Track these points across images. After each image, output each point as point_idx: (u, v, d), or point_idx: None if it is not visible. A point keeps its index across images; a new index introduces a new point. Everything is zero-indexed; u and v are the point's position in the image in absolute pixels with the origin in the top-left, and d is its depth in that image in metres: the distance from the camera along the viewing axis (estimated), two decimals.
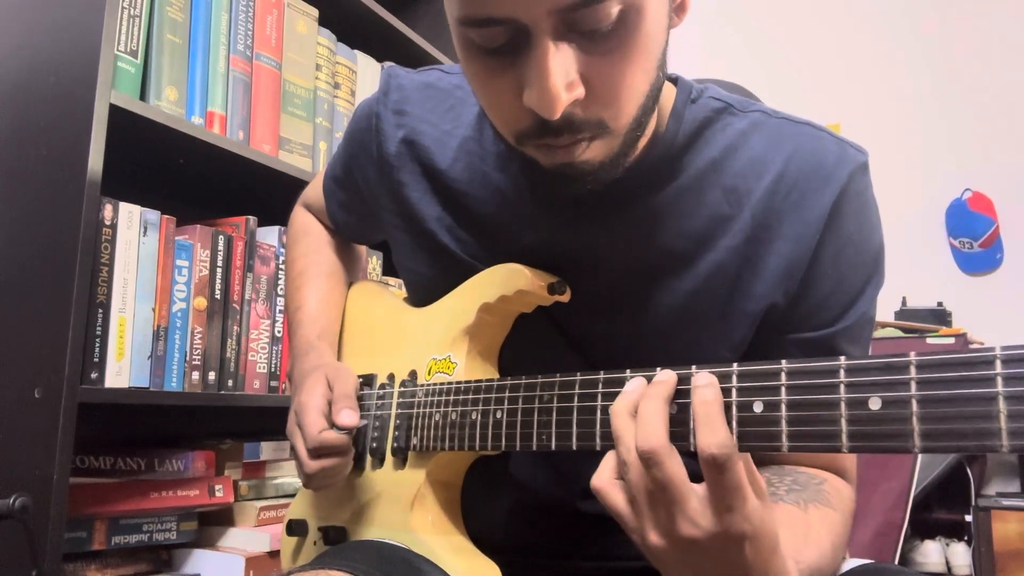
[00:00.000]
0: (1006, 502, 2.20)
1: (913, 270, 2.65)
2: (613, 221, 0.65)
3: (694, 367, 0.49)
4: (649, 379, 0.50)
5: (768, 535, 0.46)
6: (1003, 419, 0.37)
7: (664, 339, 0.66)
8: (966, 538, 2.26)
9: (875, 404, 0.41)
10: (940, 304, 2.60)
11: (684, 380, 0.49)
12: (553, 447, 0.56)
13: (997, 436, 0.37)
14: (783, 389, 0.45)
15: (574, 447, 0.55)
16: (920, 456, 2.11)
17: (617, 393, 0.52)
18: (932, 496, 2.28)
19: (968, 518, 2.19)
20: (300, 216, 0.96)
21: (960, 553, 2.27)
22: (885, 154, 2.81)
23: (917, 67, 2.82)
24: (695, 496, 0.45)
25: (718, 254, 0.64)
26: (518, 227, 0.68)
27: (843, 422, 0.42)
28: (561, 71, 0.50)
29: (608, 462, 0.50)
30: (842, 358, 0.43)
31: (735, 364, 0.48)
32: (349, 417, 0.68)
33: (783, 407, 0.45)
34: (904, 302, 2.63)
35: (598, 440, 0.53)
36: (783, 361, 0.46)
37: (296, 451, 0.71)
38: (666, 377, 0.49)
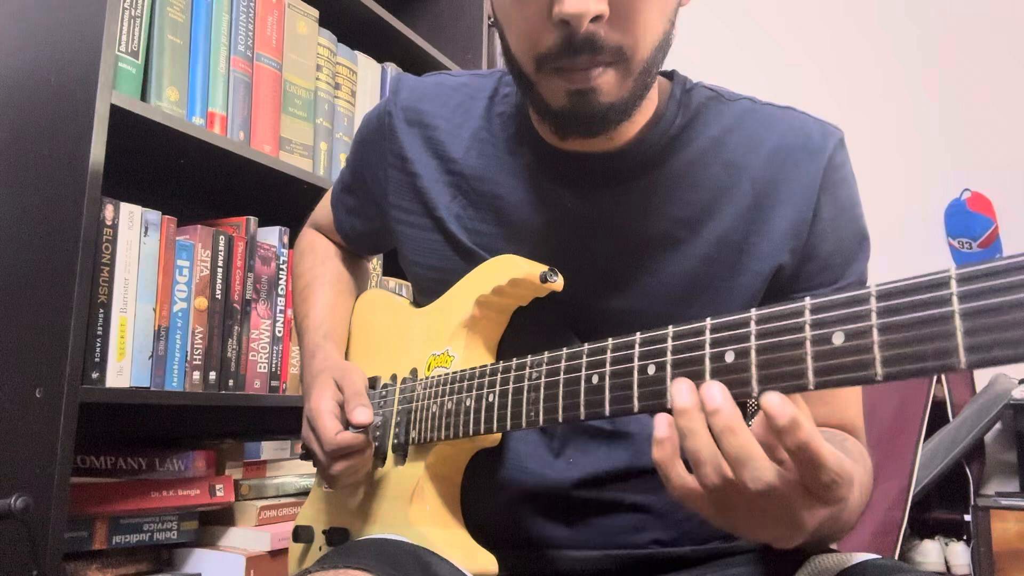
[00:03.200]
0: (1005, 502, 2.20)
1: (912, 270, 2.65)
2: (622, 193, 0.70)
3: (671, 327, 0.50)
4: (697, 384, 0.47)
5: (850, 481, 0.46)
6: (959, 335, 0.37)
7: (681, 306, 0.69)
8: (965, 537, 2.27)
9: (838, 339, 0.42)
10: None
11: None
12: (541, 422, 0.58)
13: (955, 354, 0.37)
14: (752, 336, 0.46)
15: (560, 419, 0.56)
16: (919, 455, 2.12)
17: (600, 361, 0.53)
18: (931, 495, 2.28)
19: (967, 518, 2.20)
20: (307, 235, 0.98)
21: (959, 553, 2.27)
22: (885, 154, 2.81)
23: (917, 67, 2.82)
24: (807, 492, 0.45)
25: (724, 221, 0.69)
26: (532, 206, 0.71)
27: (808, 359, 0.43)
28: None
29: (674, 466, 0.47)
30: (807, 298, 0.44)
31: (708, 319, 0.48)
32: (363, 415, 0.69)
33: (752, 353, 0.45)
34: None
35: (582, 410, 0.54)
36: (752, 310, 0.46)
37: (315, 456, 0.72)
38: (721, 398, 0.45)
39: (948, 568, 2.28)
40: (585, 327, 0.71)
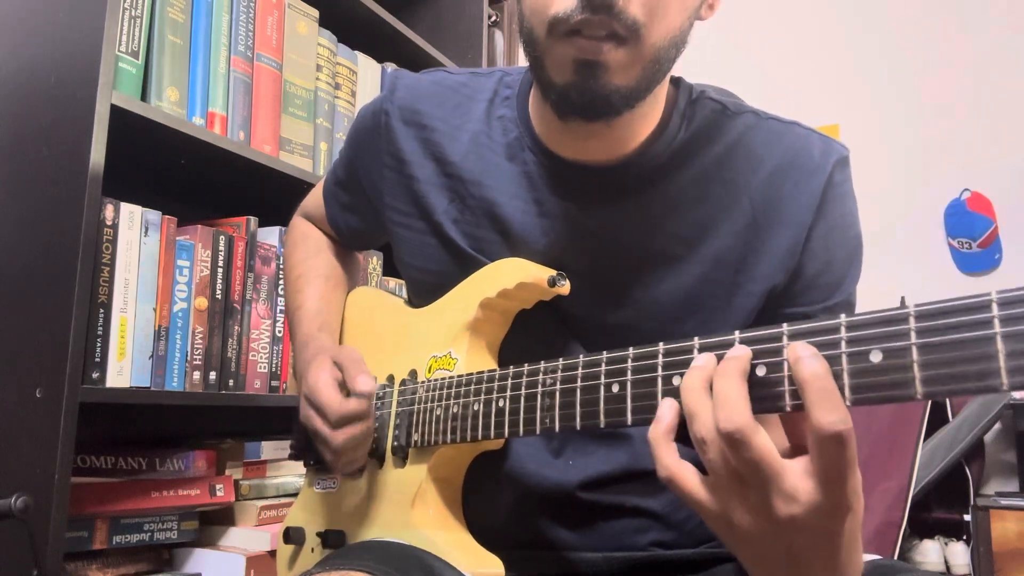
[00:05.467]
0: (1004, 501, 2.20)
1: (912, 270, 2.65)
2: (622, 206, 0.68)
3: (696, 339, 0.50)
4: (719, 356, 0.48)
5: (863, 505, 0.46)
6: (1002, 358, 0.38)
7: (675, 323, 0.68)
8: (964, 537, 2.27)
9: (876, 357, 0.42)
10: None
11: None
12: (557, 428, 0.57)
13: (996, 375, 0.38)
14: (784, 351, 0.45)
15: (577, 427, 0.56)
16: (919, 455, 2.12)
17: (621, 370, 0.53)
18: (931, 495, 2.28)
19: (967, 517, 2.20)
20: (299, 224, 0.97)
21: (959, 552, 2.27)
22: (884, 154, 2.81)
23: (916, 67, 2.82)
24: (791, 472, 0.44)
25: (722, 239, 0.68)
26: (529, 214, 0.70)
27: (845, 376, 0.43)
28: None
29: (667, 447, 0.48)
30: (842, 316, 0.44)
31: (737, 332, 0.48)
32: (366, 383, 0.68)
33: (785, 367, 0.45)
34: (903, 302, 2.61)
35: (602, 418, 0.54)
36: (784, 325, 0.46)
37: (318, 432, 0.71)
38: (741, 352, 0.46)
39: (948, 568, 2.28)
40: (582, 336, 0.70)
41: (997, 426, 2.41)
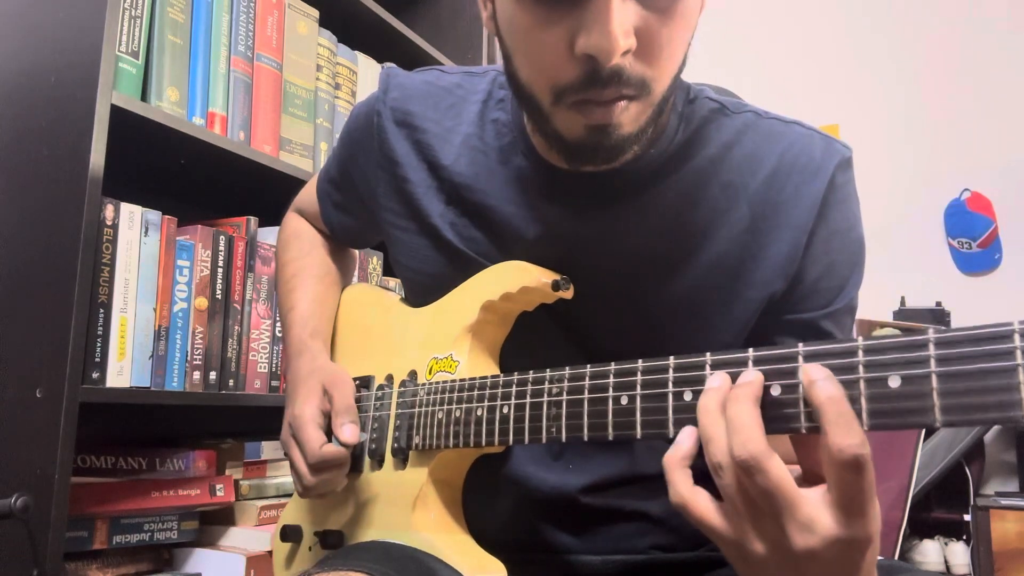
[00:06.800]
0: (1004, 501, 2.20)
1: (912, 270, 2.66)
2: (617, 212, 0.67)
3: (708, 355, 0.49)
4: (733, 375, 0.47)
5: (880, 533, 0.45)
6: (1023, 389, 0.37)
7: (670, 329, 0.67)
8: (964, 537, 2.27)
9: (895, 382, 0.41)
10: (939, 304, 2.60)
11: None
12: (564, 439, 0.56)
13: (1018, 407, 0.37)
14: (800, 371, 0.45)
15: (585, 438, 0.55)
16: (919, 455, 2.12)
17: (630, 383, 0.52)
18: (931, 495, 2.28)
19: (967, 517, 2.20)
20: (292, 221, 0.96)
21: (959, 552, 2.28)
22: (884, 154, 2.81)
23: (916, 67, 2.82)
24: (807, 501, 0.43)
25: (719, 244, 0.66)
26: (522, 219, 0.69)
27: (863, 400, 0.42)
28: (622, 17, 0.52)
29: (682, 473, 0.47)
30: (859, 338, 0.43)
31: (751, 350, 0.47)
32: (351, 433, 0.69)
33: (800, 389, 0.44)
34: (903, 302, 2.64)
35: (610, 430, 0.53)
36: (800, 344, 0.45)
37: (294, 463, 0.71)
38: (753, 377, 0.46)
39: (948, 568, 2.29)
40: (581, 339, 0.69)
41: (997, 426, 2.41)
